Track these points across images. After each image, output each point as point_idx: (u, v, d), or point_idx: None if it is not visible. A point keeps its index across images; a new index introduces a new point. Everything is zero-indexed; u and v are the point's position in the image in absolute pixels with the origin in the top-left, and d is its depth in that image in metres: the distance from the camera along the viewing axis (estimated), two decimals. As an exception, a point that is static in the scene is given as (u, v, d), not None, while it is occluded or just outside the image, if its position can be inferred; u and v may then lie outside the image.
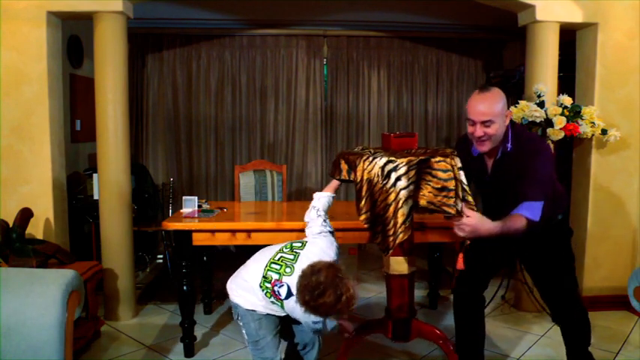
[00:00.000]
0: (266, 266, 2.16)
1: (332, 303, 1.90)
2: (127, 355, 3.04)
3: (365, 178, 2.24)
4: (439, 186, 2.18)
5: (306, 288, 1.93)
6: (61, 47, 3.61)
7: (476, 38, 5.55)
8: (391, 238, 2.20)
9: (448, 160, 2.19)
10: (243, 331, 2.28)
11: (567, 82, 3.89)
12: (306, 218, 2.40)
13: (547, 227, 2.29)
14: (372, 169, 2.21)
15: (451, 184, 2.16)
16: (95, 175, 3.59)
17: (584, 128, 3.41)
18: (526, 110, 3.38)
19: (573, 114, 3.42)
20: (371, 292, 4.15)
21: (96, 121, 3.49)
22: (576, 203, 3.79)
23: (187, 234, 2.89)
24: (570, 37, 3.83)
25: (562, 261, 2.42)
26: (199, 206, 3.22)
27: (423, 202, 2.23)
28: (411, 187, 2.17)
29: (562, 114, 3.38)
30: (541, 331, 3.39)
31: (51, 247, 3.13)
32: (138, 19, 3.72)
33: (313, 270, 1.95)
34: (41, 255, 2.96)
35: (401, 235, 2.18)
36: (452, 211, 2.16)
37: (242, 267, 2.31)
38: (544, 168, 2.21)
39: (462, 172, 2.18)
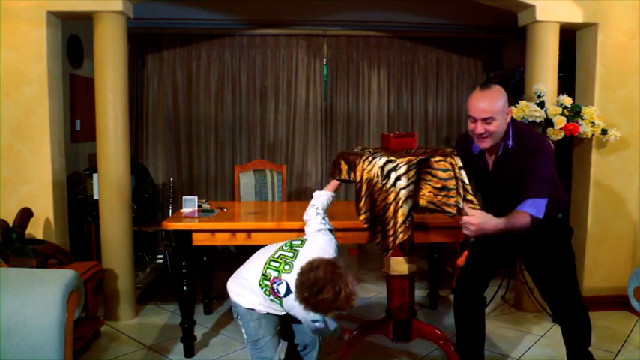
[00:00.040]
0: (265, 264, 2.16)
1: (331, 299, 1.89)
2: (127, 355, 3.04)
3: (365, 178, 2.24)
4: (439, 186, 2.18)
5: (304, 285, 1.92)
6: (61, 47, 3.61)
7: (476, 38, 5.55)
8: (391, 239, 2.20)
9: (448, 159, 2.19)
10: (243, 331, 2.28)
11: (567, 82, 3.89)
12: (305, 217, 2.40)
13: (547, 226, 2.29)
14: (372, 169, 2.21)
15: (451, 184, 2.16)
16: (95, 175, 3.59)
17: (584, 128, 3.41)
18: (526, 110, 3.38)
19: (573, 114, 3.42)
20: (371, 292, 4.15)
21: (96, 121, 3.49)
22: (576, 203, 3.79)
23: (187, 234, 2.89)
24: (570, 37, 3.83)
25: (562, 260, 2.42)
26: (199, 206, 3.22)
27: (423, 202, 2.23)
28: (411, 186, 2.17)
29: (562, 114, 3.38)
30: (541, 331, 3.39)
31: (51, 247, 3.13)
32: (138, 19, 3.72)
33: (311, 266, 1.94)
34: (41, 255, 2.96)
35: (401, 235, 2.18)
36: (452, 210, 2.16)
37: (242, 266, 2.31)
38: (546, 166, 2.21)
39: (463, 172, 2.18)
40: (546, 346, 3.15)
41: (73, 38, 4.47)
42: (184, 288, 2.96)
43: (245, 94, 5.40)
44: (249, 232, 2.89)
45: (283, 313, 2.20)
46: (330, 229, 2.33)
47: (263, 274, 2.15)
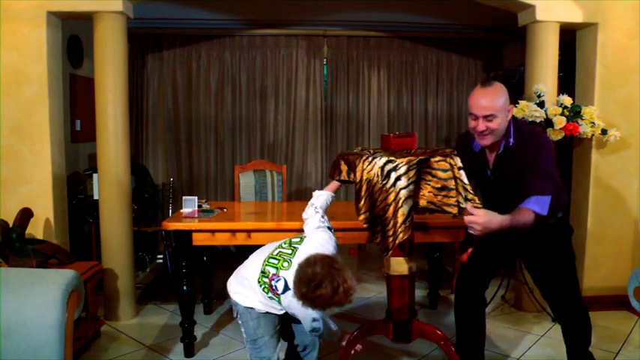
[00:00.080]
0: (264, 262, 2.17)
1: (329, 294, 1.89)
2: (127, 355, 3.04)
3: (364, 178, 2.24)
4: (439, 185, 2.18)
5: (302, 280, 1.92)
6: (61, 47, 3.61)
7: (476, 38, 5.55)
8: (391, 239, 2.20)
9: (448, 159, 2.19)
10: (242, 330, 2.28)
11: (567, 82, 3.89)
12: (304, 215, 2.40)
13: (547, 225, 2.29)
14: (372, 169, 2.21)
15: (451, 184, 2.16)
16: (95, 175, 3.59)
17: (584, 128, 3.41)
18: (526, 110, 3.38)
19: (573, 114, 3.42)
20: (371, 292, 4.15)
21: (96, 121, 3.49)
22: (576, 203, 3.79)
23: (187, 234, 2.89)
24: (570, 37, 3.83)
25: (562, 259, 2.42)
26: (199, 206, 3.22)
27: (423, 202, 2.23)
28: (411, 186, 2.17)
29: (562, 114, 3.38)
30: (541, 331, 3.39)
31: (51, 247, 3.13)
32: (138, 19, 3.72)
33: (309, 262, 1.95)
34: (41, 255, 2.96)
35: (401, 235, 2.18)
36: (453, 210, 2.16)
37: (241, 265, 2.31)
38: (548, 164, 2.22)
39: (462, 172, 2.18)
40: (546, 346, 3.15)
41: (73, 38, 4.47)
42: (184, 288, 2.96)
43: (245, 94, 5.40)
44: (249, 232, 2.89)
45: (282, 312, 2.20)
46: (328, 227, 2.32)
47: (262, 272, 2.15)
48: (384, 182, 2.17)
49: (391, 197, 2.16)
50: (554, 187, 2.22)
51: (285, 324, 2.39)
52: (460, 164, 2.19)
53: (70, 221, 3.67)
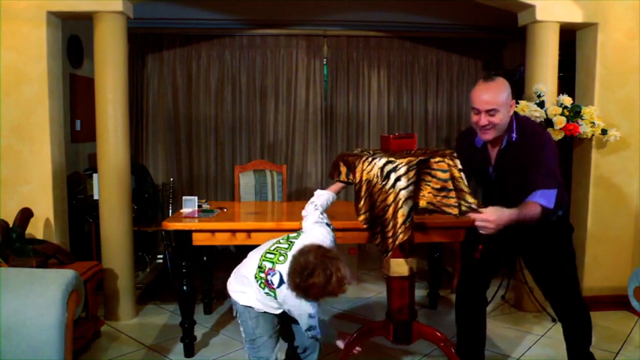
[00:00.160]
0: (261, 257, 2.17)
1: (322, 283, 1.88)
2: (127, 355, 3.04)
3: (364, 178, 2.23)
4: (439, 186, 2.17)
5: (296, 270, 1.93)
6: (61, 47, 3.61)
7: (476, 38, 5.54)
8: (390, 240, 2.19)
9: (447, 160, 2.18)
10: (241, 329, 2.28)
11: (567, 82, 3.89)
12: (304, 212, 2.39)
13: (548, 222, 2.29)
14: (371, 169, 2.21)
15: (451, 184, 2.16)
16: (95, 175, 3.59)
17: (584, 128, 3.41)
18: (526, 110, 3.38)
19: (573, 114, 3.42)
20: (371, 292, 4.15)
21: (96, 121, 3.49)
22: (576, 203, 3.79)
23: (187, 234, 2.89)
24: (570, 37, 3.83)
25: (563, 258, 2.42)
26: (199, 206, 3.22)
27: (422, 202, 2.23)
28: (411, 187, 2.17)
29: (562, 114, 3.38)
30: (541, 331, 3.39)
31: (51, 247, 3.13)
32: (138, 19, 3.72)
33: (302, 251, 1.96)
34: (41, 255, 2.97)
35: (401, 236, 2.17)
36: (453, 211, 2.15)
37: (241, 263, 2.31)
38: (550, 161, 2.22)
39: (462, 173, 2.17)
40: (546, 346, 3.15)
41: (73, 38, 4.47)
42: (184, 288, 2.96)
43: (245, 94, 5.40)
44: (249, 232, 2.89)
45: (280, 311, 2.19)
46: (327, 224, 2.32)
47: (259, 267, 2.15)
48: (384, 183, 2.17)
49: (391, 198, 2.16)
50: (557, 183, 2.22)
51: (285, 325, 2.39)
52: (460, 166, 2.19)
53: (70, 221, 3.67)
